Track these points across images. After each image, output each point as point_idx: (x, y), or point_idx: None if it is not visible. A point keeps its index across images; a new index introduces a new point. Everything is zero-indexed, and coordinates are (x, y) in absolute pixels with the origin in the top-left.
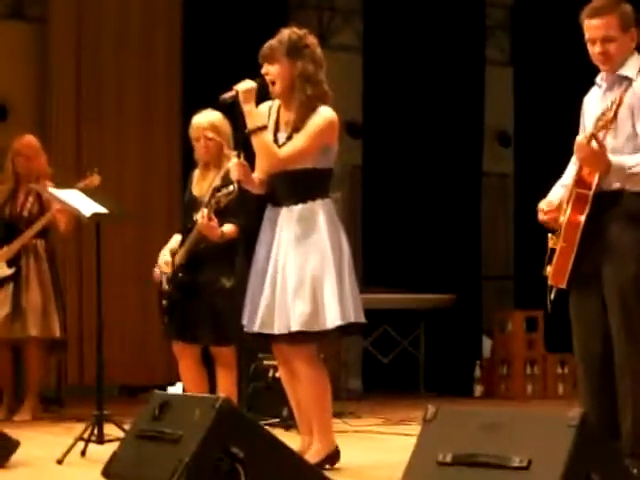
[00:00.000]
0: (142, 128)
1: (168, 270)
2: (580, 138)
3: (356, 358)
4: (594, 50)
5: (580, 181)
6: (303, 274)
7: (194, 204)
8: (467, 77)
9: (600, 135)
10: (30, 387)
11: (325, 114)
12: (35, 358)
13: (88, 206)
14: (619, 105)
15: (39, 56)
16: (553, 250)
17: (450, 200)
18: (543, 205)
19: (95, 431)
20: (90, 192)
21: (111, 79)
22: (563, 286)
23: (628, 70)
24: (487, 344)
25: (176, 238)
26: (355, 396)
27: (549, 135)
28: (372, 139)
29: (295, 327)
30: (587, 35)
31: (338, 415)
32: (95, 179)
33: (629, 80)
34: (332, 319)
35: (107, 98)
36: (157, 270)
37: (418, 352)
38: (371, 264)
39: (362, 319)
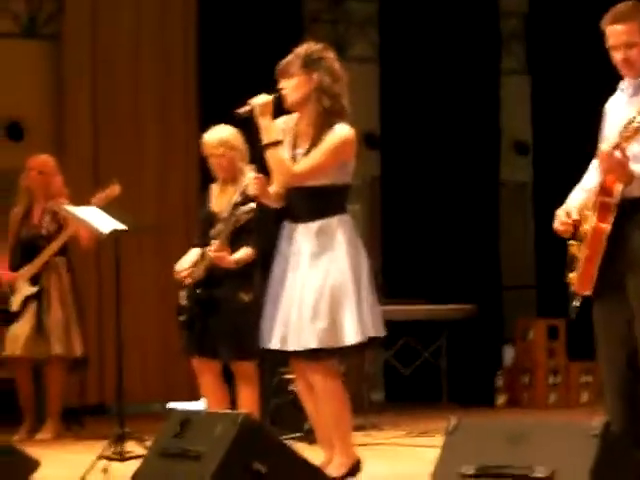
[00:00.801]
0: (159, 143)
1: (185, 274)
2: (605, 147)
3: (378, 370)
4: (617, 57)
5: (604, 189)
6: (321, 291)
7: (213, 219)
8: (483, 86)
9: (625, 145)
10: (52, 406)
11: (341, 132)
12: (57, 377)
13: (106, 223)
14: (637, 128)
15: (54, 74)
16: (573, 257)
17: (469, 210)
18: (561, 214)
19: (117, 449)
20: (107, 207)
21: (127, 95)
22: (589, 293)
23: None
24: (509, 353)
25: (193, 253)
26: (377, 408)
27: (567, 142)
28: (390, 150)
29: (313, 344)
30: (609, 42)
31: (360, 427)
32: (116, 189)
33: None
34: (350, 336)
35: (123, 114)
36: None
37: (440, 363)
38: (391, 275)
39: (381, 332)
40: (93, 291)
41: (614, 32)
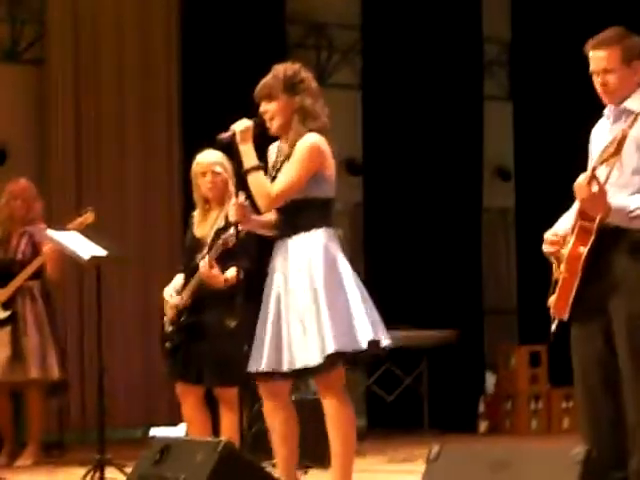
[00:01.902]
0: (142, 169)
1: (173, 302)
2: (580, 179)
3: (360, 396)
4: (596, 82)
5: (583, 213)
6: (301, 304)
7: (197, 245)
8: (466, 113)
9: (599, 172)
10: (32, 431)
11: (307, 141)
12: (36, 402)
13: (87, 248)
14: (622, 139)
15: (37, 99)
16: (557, 281)
17: (451, 235)
18: (549, 236)
19: (97, 475)
20: (88, 234)
21: (110, 120)
22: (564, 318)
23: (633, 103)
24: (491, 379)
25: (178, 279)
26: (359, 435)
27: (549, 168)
28: (372, 176)
29: (299, 364)
30: (591, 67)
31: None
32: (89, 217)
33: (634, 113)
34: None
35: (107, 139)
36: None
37: (421, 389)
38: (373, 301)
39: (375, 337)
40: (75, 315)
41: (595, 58)
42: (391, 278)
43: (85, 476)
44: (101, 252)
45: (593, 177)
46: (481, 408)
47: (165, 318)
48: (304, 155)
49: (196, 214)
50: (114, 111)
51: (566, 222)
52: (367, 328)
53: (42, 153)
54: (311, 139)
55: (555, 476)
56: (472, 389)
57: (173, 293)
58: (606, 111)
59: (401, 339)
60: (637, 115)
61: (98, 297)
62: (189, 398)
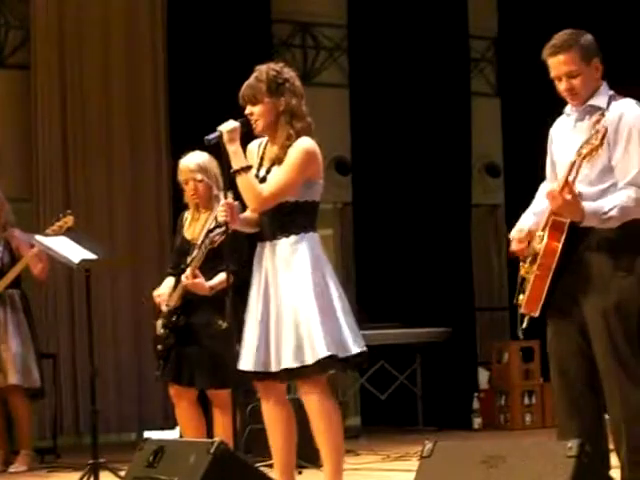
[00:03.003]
0: (130, 172)
1: (165, 302)
2: (552, 187)
3: (353, 395)
4: (560, 87)
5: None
6: (291, 310)
7: (187, 247)
8: (453, 109)
9: (560, 168)
10: (22, 437)
11: (303, 145)
12: (23, 407)
13: (76, 253)
14: (606, 132)
15: (22, 104)
16: (524, 279)
17: (441, 233)
18: (515, 234)
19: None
20: (77, 237)
21: (97, 123)
22: (536, 314)
23: (598, 100)
24: (484, 376)
25: (168, 281)
26: (353, 433)
27: (538, 164)
28: (361, 175)
29: (286, 364)
30: (552, 73)
31: None
32: (68, 220)
33: (601, 110)
34: (318, 352)
35: (93, 143)
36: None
37: (415, 387)
38: (365, 300)
39: (359, 348)
40: (66, 319)
41: (554, 63)
42: (382, 277)
43: None
44: (90, 256)
45: (566, 184)
46: (475, 404)
47: (157, 321)
48: (299, 159)
49: (187, 215)
50: (100, 115)
51: (530, 218)
52: (353, 335)
53: (28, 157)
54: (306, 143)
55: (549, 470)
56: (465, 386)
57: (164, 295)
58: (567, 109)
59: (394, 337)
60: (603, 112)
61: (88, 301)
62: (182, 400)
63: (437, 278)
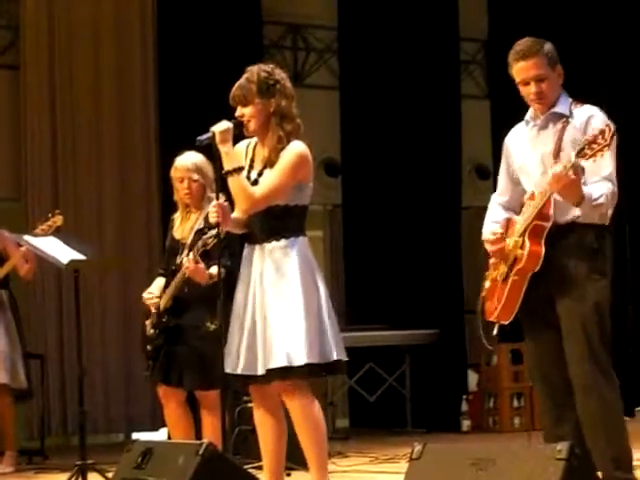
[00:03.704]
0: (119, 172)
1: (152, 302)
2: (557, 169)
3: (342, 397)
4: (529, 90)
5: (542, 214)
6: (279, 313)
7: (177, 247)
8: (443, 112)
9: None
10: (8, 437)
11: (295, 148)
12: (8, 406)
13: (65, 253)
14: (614, 133)
15: (12, 104)
16: (491, 285)
17: (431, 235)
18: (490, 235)
19: None
20: (67, 238)
21: (87, 123)
22: (506, 322)
23: (560, 108)
24: (473, 378)
25: (158, 282)
26: (342, 435)
27: None
28: (352, 177)
29: (283, 362)
30: (519, 77)
31: None
32: (57, 220)
33: (565, 117)
34: (307, 356)
35: (83, 143)
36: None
37: (404, 389)
38: (354, 302)
39: (344, 356)
40: (54, 320)
41: (522, 68)
42: (371, 278)
43: None
44: (79, 256)
45: (574, 165)
46: (464, 407)
47: (147, 321)
48: (292, 162)
49: (177, 216)
50: (90, 116)
51: (493, 225)
52: (336, 343)
53: (17, 157)
54: (299, 147)
55: (539, 473)
56: (454, 388)
57: (153, 295)
58: (528, 117)
59: (383, 339)
60: (567, 119)
61: (77, 301)
62: (171, 401)
63: (427, 280)
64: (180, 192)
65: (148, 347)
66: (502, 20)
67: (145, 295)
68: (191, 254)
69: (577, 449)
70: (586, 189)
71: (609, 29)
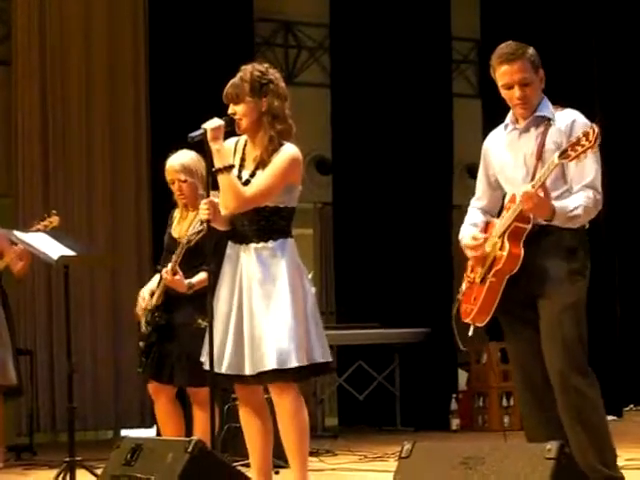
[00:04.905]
0: (110, 169)
1: (144, 305)
2: (527, 189)
3: (331, 395)
4: (513, 94)
5: (522, 217)
6: (268, 316)
7: (174, 245)
8: (435, 110)
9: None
10: None
11: (288, 152)
12: None
13: (55, 249)
14: (598, 135)
15: (3, 100)
16: (470, 284)
17: (422, 234)
18: (470, 241)
19: (67, 477)
20: (57, 235)
21: (78, 120)
22: (482, 324)
23: (544, 111)
24: (462, 377)
25: (155, 279)
26: (331, 434)
27: None
28: (342, 175)
29: (267, 367)
30: (503, 81)
31: (314, 453)
32: (54, 220)
33: (547, 120)
34: (299, 358)
35: (74, 140)
36: (138, 310)
37: (394, 387)
38: (344, 300)
39: (329, 358)
40: (44, 317)
41: (507, 71)
42: (361, 277)
43: (56, 478)
44: (69, 252)
45: (542, 185)
46: (453, 405)
47: (141, 319)
48: (284, 165)
49: (176, 213)
50: (81, 113)
51: (472, 229)
52: (321, 344)
53: (8, 153)
54: (292, 150)
55: (528, 472)
56: (444, 387)
57: (147, 294)
58: (509, 120)
59: (372, 337)
60: (550, 120)
61: (67, 298)
62: (161, 397)
63: (417, 279)
64: (175, 193)
65: (141, 344)
66: (494, 20)
67: (140, 295)
68: (169, 265)
69: (567, 448)
70: (560, 203)
71: (599, 29)
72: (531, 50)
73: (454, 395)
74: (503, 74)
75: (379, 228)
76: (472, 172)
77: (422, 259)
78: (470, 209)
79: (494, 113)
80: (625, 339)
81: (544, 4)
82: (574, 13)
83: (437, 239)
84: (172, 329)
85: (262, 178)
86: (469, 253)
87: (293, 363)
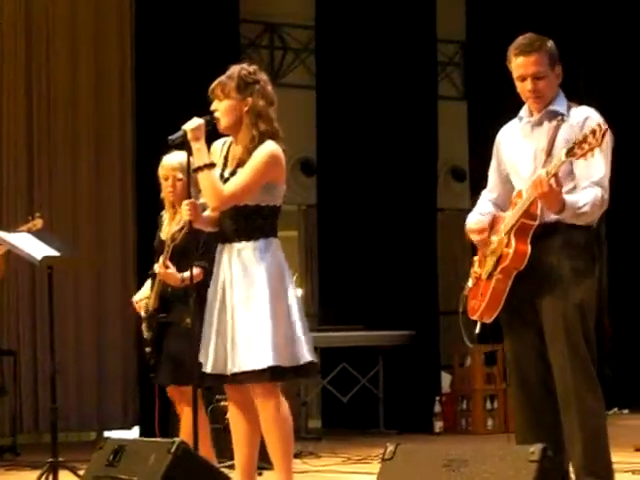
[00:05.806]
0: (95, 170)
1: (143, 312)
2: (540, 174)
3: (315, 397)
4: (525, 87)
5: (529, 213)
6: (246, 317)
7: (161, 248)
8: (420, 113)
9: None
10: None
11: (267, 148)
12: None
13: (39, 249)
14: (605, 132)
15: None
16: (477, 279)
17: (406, 236)
18: (474, 225)
19: (50, 478)
20: (41, 235)
21: (62, 121)
22: (489, 321)
23: (558, 106)
24: (446, 379)
25: (148, 284)
26: (315, 436)
27: None
28: (327, 177)
29: (243, 367)
30: (519, 72)
31: (298, 455)
32: (38, 223)
33: (560, 115)
34: (274, 359)
35: (58, 141)
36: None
37: (377, 389)
38: (328, 302)
39: (314, 358)
40: (27, 317)
41: (522, 63)
42: (346, 279)
43: (39, 479)
44: (53, 253)
45: (555, 175)
46: (437, 408)
47: (142, 325)
48: (262, 162)
49: (165, 215)
50: (67, 114)
51: (477, 218)
52: (306, 344)
53: None
54: (271, 147)
55: (511, 475)
56: (428, 389)
57: (143, 301)
58: (523, 113)
59: (356, 339)
60: (563, 117)
61: (50, 298)
62: (182, 400)
63: (402, 281)
64: (164, 190)
65: (147, 349)
66: (480, 22)
67: (134, 299)
68: (161, 258)
69: (549, 451)
70: (571, 197)
71: (588, 30)
72: (550, 43)
73: (438, 398)
74: (518, 66)
75: (364, 230)
76: (457, 175)
77: (406, 261)
78: (480, 199)
79: (479, 116)
80: (614, 342)
81: (530, 6)
82: (560, 16)
83: (421, 241)
84: (165, 329)
85: (240, 175)
86: (474, 237)
87: (267, 363)
